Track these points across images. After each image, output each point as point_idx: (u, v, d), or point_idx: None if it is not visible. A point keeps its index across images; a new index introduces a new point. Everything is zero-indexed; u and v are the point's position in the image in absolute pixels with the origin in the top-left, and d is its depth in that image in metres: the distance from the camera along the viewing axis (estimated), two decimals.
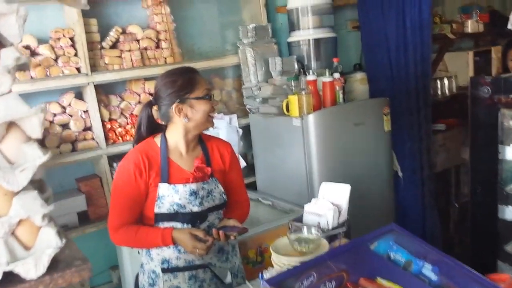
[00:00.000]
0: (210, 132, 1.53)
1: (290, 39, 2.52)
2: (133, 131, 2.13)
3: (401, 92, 2.55)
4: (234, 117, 2.35)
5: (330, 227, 1.38)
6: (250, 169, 2.46)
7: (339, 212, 1.42)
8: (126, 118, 2.15)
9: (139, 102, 2.18)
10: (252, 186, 2.44)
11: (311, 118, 2.06)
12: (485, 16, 3.44)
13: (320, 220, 1.38)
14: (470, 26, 3.31)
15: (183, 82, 1.37)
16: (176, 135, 1.41)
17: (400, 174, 2.46)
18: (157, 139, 1.42)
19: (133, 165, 1.36)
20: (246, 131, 2.43)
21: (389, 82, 2.61)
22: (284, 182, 2.22)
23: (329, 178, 2.03)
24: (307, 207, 1.42)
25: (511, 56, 2.79)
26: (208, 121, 1.40)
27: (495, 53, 3.10)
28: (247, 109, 2.41)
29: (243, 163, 2.35)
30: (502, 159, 1.79)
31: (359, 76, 2.60)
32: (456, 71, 3.22)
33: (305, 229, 1.25)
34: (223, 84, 2.49)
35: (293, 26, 2.51)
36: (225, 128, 2.27)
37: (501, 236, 1.79)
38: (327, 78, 2.27)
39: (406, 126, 2.52)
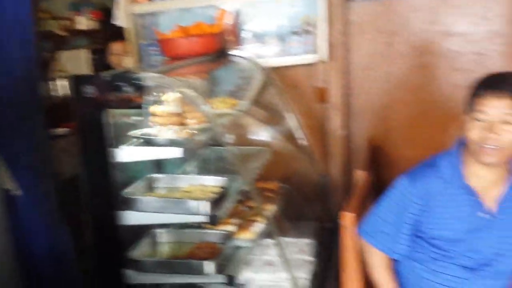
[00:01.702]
0: None
1: None
2: None
3: (5, 99, 2.15)
4: None
5: None
6: None
7: None
8: None
9: None
10: None
11: None
12: (98, 13, 3.40)
13: None
14: (83, 23, 3.19)
15: None
16: None
17: (16, 192, 2.09)
18: None
19: None
20: None
21: None
22: None
23: None
24: None
25: (111, 51, 2.82)
26: None
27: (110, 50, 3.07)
28: None
29: None
30: (115, 163, 1.66)
31: None
32: (75, 70, 3.04)
33: None
34: None
35: None
36: None
37: (125, 243, 1.70)
38: None
39: (17, 137, 2.15)
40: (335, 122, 2.47)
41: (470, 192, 1.49)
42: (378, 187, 2.07)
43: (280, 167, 2.48)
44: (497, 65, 2.26)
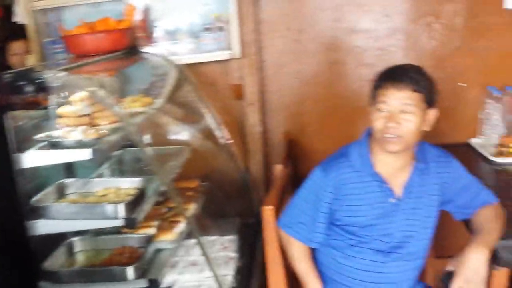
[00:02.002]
0: None
1: None
2: None
3: None
4: None
5: None
6: None
7: None
8: None
9: None
10: None
11: None
12: None
13: None
14: None
15: None
16: None
17: None
18: None
19: None
20: None
21: None
22: None
23: None
24: None
25: (12, 50, 2.66)
26: None
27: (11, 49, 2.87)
28: None
29: None
30: (20, 169, 1.55)
31: None
32: None
33: None
34: None
35: None
36: None
37: (39, 254, 1.59)
38: None
39: None
40: (252, 119, 2.50)
41: (379, 179, 1.57)
42: (296, 180, 2.12)
43: (200, 165, 2.46)
44: (398, 60, 2.39)
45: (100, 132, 1.54)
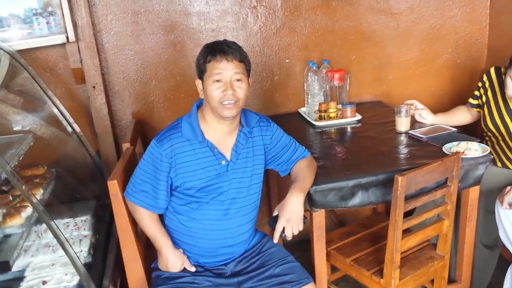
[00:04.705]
0: None
1: None
2: None
3: None
4: None
5: None
6: None
7: None
8: None
9: None
10: None
11: None
12: None
13: None
14: None
15: None
16: None
17: None
18: None
19: None
20: None
21: None
22: None
23: None
24: None
25: None
26: None
27: None
28: None
29: None
30: None
31: None
32: None
33: None
34: None
35: None
36: None
37: None
38: None
39: None
40: (97, 101, 2.55)
41: (209, 145, 1.78)
42: None
43: (48, 152, 2.46)
44: (229, 39, 2.65)
45: None
